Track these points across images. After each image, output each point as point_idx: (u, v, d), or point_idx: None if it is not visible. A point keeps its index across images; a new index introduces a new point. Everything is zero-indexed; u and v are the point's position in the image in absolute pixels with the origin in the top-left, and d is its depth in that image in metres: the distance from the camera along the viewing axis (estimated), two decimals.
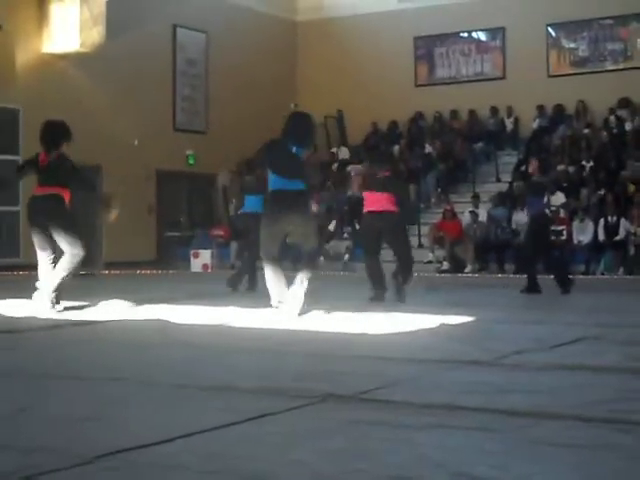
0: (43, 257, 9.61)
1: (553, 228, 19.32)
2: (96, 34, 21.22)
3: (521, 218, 20.07)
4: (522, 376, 5.27)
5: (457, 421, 3.95)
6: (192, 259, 21.69)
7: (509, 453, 3.42)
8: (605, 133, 23.00)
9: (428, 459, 3.30)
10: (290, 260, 13.51)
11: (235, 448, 3.50)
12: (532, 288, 12.55)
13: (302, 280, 8.73)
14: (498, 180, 23.37)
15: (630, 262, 18.71)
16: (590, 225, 19.43)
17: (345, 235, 21.61)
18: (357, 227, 18.43)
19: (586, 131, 23.47)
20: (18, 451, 3.44)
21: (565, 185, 21.08)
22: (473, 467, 3.18)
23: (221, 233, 22.54)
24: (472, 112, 25.45)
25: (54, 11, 21.05)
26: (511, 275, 18.32)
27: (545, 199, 12.90)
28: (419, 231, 21.48)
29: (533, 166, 13.09)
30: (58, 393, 4.82)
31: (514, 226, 20.10)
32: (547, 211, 13.18)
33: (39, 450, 3.45)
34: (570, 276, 13.08)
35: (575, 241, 19.32)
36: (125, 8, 22.35)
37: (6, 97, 20.09)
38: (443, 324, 8.04)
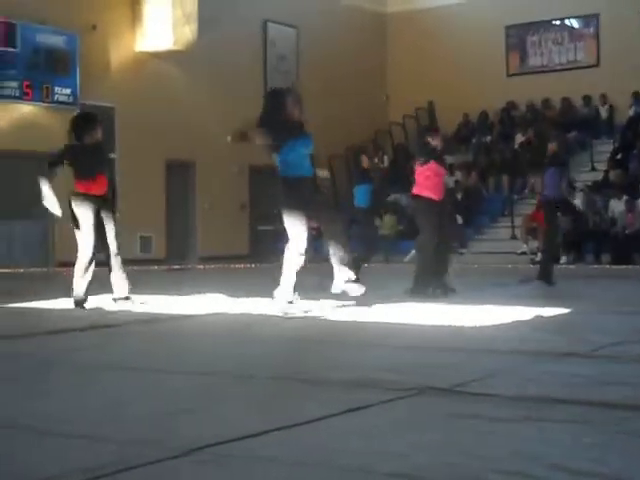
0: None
1: None
2: (188, 32, 21.47)
3: (617, 206, 19.75)
4: (620, 368, 5.19)
5: (553, 414, 3.91)
6: None
7: (607, 446, 3.37)
8: None
9: (524, 452, 3.27)
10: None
11: (331, 441, 3.51)
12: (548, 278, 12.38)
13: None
14: (593, 169, 23.01)
15: None
16: None
17: None
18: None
19: None
20: (115, 443, 3.51)
21: None
22: (570, 460, 3.14)
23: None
24: (565, 100, 25.10)
25: (147, 10, 21.37)
26: (607, 266, 18.03)
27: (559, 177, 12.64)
28: (512, 222, 21.28)
29: (550, 149, 12.70)
30: (155, 386, 4.89)
31: (611, 214, 19.79)
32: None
33: (135, 443, 3.51)
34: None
35: None
36: (217, 5, 22.56)
37: (101, 95, 20.44)
38: (538, 316, 7.95)
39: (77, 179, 9.61)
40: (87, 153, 9.61)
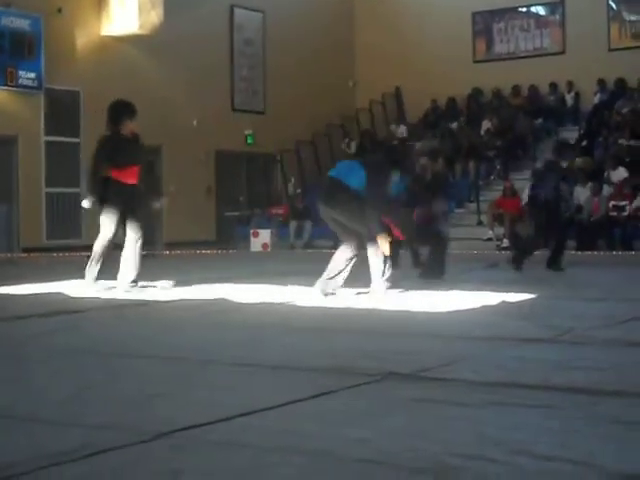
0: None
1: (615, 203, 19.17)
2: (154, 16, 21.32)
3: (583, 193, 19.84)
4: (584, 353, 5.24)
5: (517, 399, 3.94)
6: (252, 238, 21.77)
7: (570, 431, 3.40)
8: None
9: (488, 437, 3.30)
10: None
11: (297, 426, 3.52)
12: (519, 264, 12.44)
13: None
14: None
15: None
16: None
17: None
18: None
19: None
20: (84, 428, 3.50)
21: (627, 160, 20.79)
22: (533, 445, 3.17)
23: (280, 212, 22.61)
24: (532, 87, 25.20)
25: None
26: (572, 252, 18.13)
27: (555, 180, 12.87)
28: (478, 208, 21.35)
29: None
30: (122, 371, 4.89)
31: (576, 202, 19.88)
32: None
33: (104, 427, 3.51)
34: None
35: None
36: None
37: (66, 79, 20.29)
38: (503, 301, 8.00)
39: (109, 166, 9.61)
40: (121, 147, 9.57)
